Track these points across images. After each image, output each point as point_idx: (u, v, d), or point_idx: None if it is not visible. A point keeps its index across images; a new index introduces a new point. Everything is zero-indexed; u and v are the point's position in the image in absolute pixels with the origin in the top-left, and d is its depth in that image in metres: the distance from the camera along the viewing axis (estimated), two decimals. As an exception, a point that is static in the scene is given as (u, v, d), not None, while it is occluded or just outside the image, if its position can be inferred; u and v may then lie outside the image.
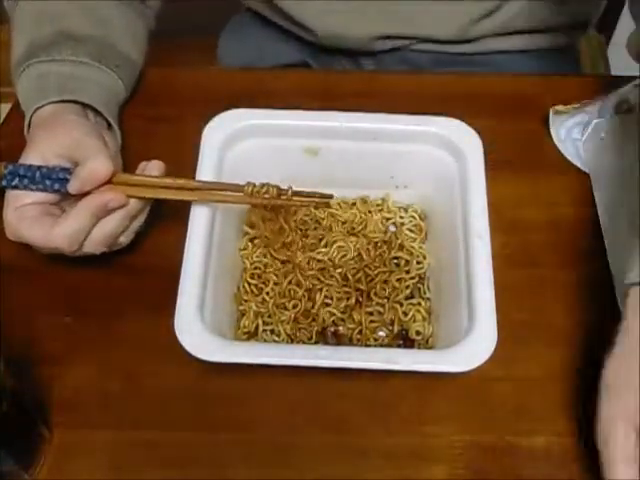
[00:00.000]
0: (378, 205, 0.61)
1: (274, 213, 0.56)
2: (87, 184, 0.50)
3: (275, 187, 0.52)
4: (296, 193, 0.53)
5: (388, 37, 0.74)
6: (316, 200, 0.54)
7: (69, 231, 0.49)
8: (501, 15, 0.72)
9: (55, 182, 0.50)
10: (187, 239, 0.51)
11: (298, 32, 0.77)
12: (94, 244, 0.51)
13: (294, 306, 0.55)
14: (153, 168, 0.52)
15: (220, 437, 0.49)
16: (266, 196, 0.52)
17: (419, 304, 0.55)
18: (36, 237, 0.49)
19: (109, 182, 0.51)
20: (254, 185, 0.52)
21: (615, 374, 0.45)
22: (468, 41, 0.74)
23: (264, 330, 0.55)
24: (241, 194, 0.52)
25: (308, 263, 0.57)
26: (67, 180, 0.50)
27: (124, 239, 0.53)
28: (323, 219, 0.60)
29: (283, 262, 0.57)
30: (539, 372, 0.52)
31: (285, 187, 0.53)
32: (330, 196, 0.55)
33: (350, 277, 0.56)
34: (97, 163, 0.50)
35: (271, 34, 0.82)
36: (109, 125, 0.59)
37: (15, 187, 0.50)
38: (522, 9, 0.72)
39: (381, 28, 0.73)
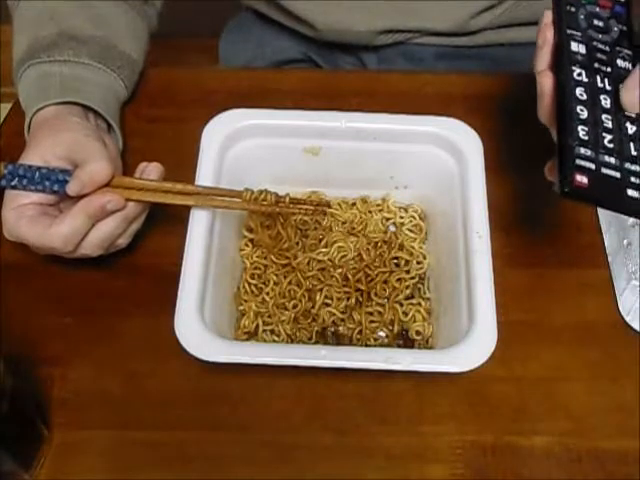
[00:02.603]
0: (378, 205, 0.61)
1: (272, 219, 0.56)
2: (86, 186, 0.50)
3: (273, 194, 0.52)
4: (293, 200, 0.53)
5: (390, 31, 0.74)
6: (313, 208, 0.54)
7: (65, 231, 0.49)
8: (502, 7, 0.72)
9: (54, 183, 0.50)
10: (187, 239, 0.51)
11: (299, 28, 0.77)
12: (91, 246, 0.50)
13: (294, 306, 0.55)
14: (152, 171, 0.52)
15: (220, 437, 0.49)
16: (264, 203, 0.52)
17: (419, 304, 0.55)
18: (33, 237, 0.49)
19: (108, 185, 0.51)
20: (252, 192, 0.52)
21: None
22: (469, 33, 0.75)
23: (264, 330, 0.55)
24: (239, 200, 0.52)
25: (308, 263, 0.57)
26: (66, 182, 0.50)
27: (122, 241, 0.53)
28: (323, 219, 0.60)
29: (283, 263, 0.57)
30: (539, 372, 0.52)
31: (283, 193, 0.53)
32: (327, 204, 0.55)
33: (350, 277, 0.56)
34: (97, 166, 0.50)
35: (271, 31, 0.82)
36: (109, 127, 0.59)
37: (14, 187, 0.50)
38: (521, 1, 0.72)
39: (383, 22, 0.73)
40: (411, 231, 0.59)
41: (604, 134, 0.42)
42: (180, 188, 0.52)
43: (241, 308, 0.56)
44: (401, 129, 0.57)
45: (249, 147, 0.57)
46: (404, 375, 0.46)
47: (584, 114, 0.42)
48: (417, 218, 0.60)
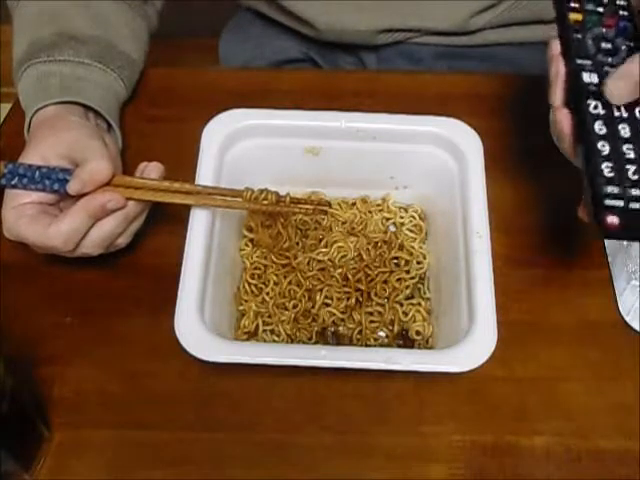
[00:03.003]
0: (378, 205, 0.61)
1: (272, 219, 0.56)
2: (87, 185, 0.50)
3: (274, 193, 0.52)
4: (294, 200, 0.53)
5: (389, 30, 0.74)
6: (314, 207, 0.54)
7: (65, 230, 0.49)
8: (501, 6, 0.72)
9: (54, 182, 0.50)
10: (187, 239, 0.51)
11: (299, 28, 0.78)
12: (91, 245, 0.50)
13: (294, 306, 0.55)
14: (152, 170, 0.52)
15: (220, 437, 0.49)
16: (264, 202, 0.52)
17: (419, 304, 0.55)
18: (33, 236, 0.49)
19: (108, 184, 0.51)
20: (252, 191, 0.52)
21: None
22: (469, 33, 0.75)
23: (264, 330, 0.55)
24: (240, 199, 0.52)
25: (308, 263, 0.57)
26: (66, 181, 0.50)
27: (122, 240, 0.53)
28: (323, 219, 0.60)
29: (283, 263, 0.57)
30: (539, 372, 0.52)
31: (283, 193, 0.53)
32: (328, 204, 0.55)
33: (350, 277, 0.56)
34: (97, 165, 0.50)
35: (271, 31, 0.82)
36: (109, 126, 0.59)
37: (14, 186, 0.50)
38: (521, 0, 0.72)
39: (383, 21, 0.73)
40: (411, 231, 0.59)
41: (627, 166, 0.41)
42: (180, 187, 0.52)
43: (241, 308, 0.56)
44: (401, 129, 0.57)
45: (249, 147, 0.57)
46: (404, 375, 0.46)
47: (606, 149, 0.42)
48: (417, 218, 0.60)
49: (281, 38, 0.82)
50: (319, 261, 0.57)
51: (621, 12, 0.48)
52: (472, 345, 0.46)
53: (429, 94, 0.67)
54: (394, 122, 0.57)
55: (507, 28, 0.75)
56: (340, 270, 0.57)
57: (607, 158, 0.42)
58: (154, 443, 0.49)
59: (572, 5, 0.47)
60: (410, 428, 0.50)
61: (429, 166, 0.58)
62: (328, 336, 0.55)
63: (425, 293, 0.56)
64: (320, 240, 0.59)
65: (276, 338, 0.54)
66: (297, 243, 0.58)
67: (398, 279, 0.56)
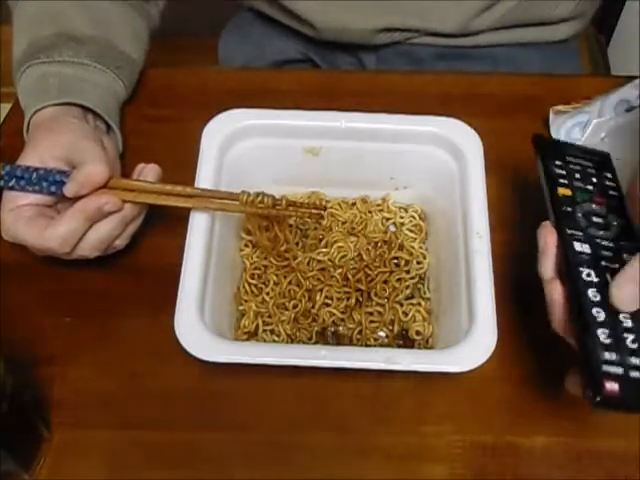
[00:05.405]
0: (378, 205, 0.61)
1: (269, 222, 0.56)
2: (83, 188, 0.50)
3: (270, 197, 0.52)
4: (290, 203, 0.53)
5: (388, 30, 0.74)
6: (310, 211, 0.54)
7: (62, 232, 0.49)
8: (502, 8, 0.72)
9: (52, 184, 0.50)
10: (187, 239, 0.51)
11: (299, 28, 0.78)
12: (88, 247, 0.51)
13: (294, 306, 0.55)
14: (149, 172, 0.52)
15: (220, 437, 0.49)
16: (261, 205, 0.52)
17: (419, 304, 0.55)
18: (30, 238, 0.49)
19: (105, 186, 0.51)
20: (249, 194, 0.52)
21: None
22: (469, 34, 0.75)
23: (264, 330, 0.55)
24: (236, 202, 0.52)
25: (308, 263, 0.57)
26: (63, 183, 0.50)
27: (119, 243, 0.53)
28: (323, 219, 0.60)
29: (283, 264, 0.57)
30: (539, 372, 0.52)
31: (284, 193, 0.53)
32: (324, 207, 0.55)
33: (350, 277, 0.56)
34: (94, 168, 0.50)
35: (272, 31, 0.82)
36: (109, 128, 0.59)
37: (12, 188, 0.50)
38: (522, 2, 0.72)
39: (382, 21, 0.73)
40: (411, 231, 0.59)
41: (625, 334, 0.40)
42: (177, 190, 0.52)
43: (241, 308, 0.56)
44: (401, 129, 0.57)
45: (249, 147, 0.57)
46: (404, 375, 0.46)
47: (601, 316, 0.40)
48: (417, 218, 0.60)
49: (281, 39, 0.82)
50: (319, 261, 0.57)
51: (610, 192, 0.47)
52: (472, 345, 0.46)
53: (429, 94, 0.67)
54: (394, 122, 0.57)
55: (508, 30, 0.75)
56: (340, 270, 0.57)
57: (602, 324, 0.40)
58: (154, 443, 0.49)
59: (561, 181, 0.47)
60: (410, 428, 0.50)
61: (429, 166, 0.58)
62: (328, 336, 0.55)
63: (425, 293, 0.56)
64: (320, 240, 0.59)
65: (276, 338, 0.54)
66: (297, 243, 0.58)
67: (398, 279, 0.56)
